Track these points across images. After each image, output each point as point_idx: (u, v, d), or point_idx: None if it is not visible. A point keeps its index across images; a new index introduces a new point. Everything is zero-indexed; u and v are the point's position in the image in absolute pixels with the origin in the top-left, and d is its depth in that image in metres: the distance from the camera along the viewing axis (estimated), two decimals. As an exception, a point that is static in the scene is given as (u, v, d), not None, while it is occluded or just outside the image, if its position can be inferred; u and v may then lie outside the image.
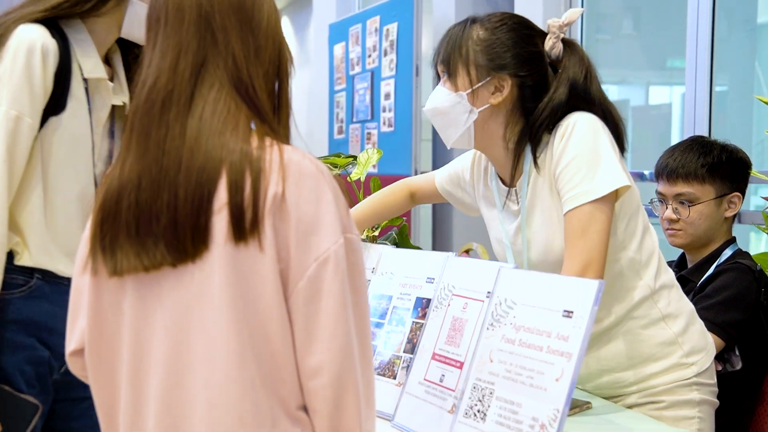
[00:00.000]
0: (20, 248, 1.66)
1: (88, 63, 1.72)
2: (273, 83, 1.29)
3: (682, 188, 2.21)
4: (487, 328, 1.51)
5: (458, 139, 1.77)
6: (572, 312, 1.37)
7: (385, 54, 5.26)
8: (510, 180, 1.81)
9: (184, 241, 1.17)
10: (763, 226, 2.64)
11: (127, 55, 1.86)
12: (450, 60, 1.74)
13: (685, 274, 2.24)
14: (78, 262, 1.30)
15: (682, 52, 3.65)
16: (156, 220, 1.19)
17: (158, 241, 1.19)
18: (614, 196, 1.65)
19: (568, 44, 1.77)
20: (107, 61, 1.81)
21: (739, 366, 2.11)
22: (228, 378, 1.17)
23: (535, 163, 1.72)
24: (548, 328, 1.39)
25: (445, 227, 5.29)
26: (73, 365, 1.35)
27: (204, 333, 1.18)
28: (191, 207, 1.17)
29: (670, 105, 4.92)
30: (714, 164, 2.21)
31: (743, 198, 2.25)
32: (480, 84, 1.72)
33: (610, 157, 1.64)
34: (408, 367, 1.69)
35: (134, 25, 1.77)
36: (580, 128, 1.65)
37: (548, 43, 1.76)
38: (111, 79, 1.78)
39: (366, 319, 1.23)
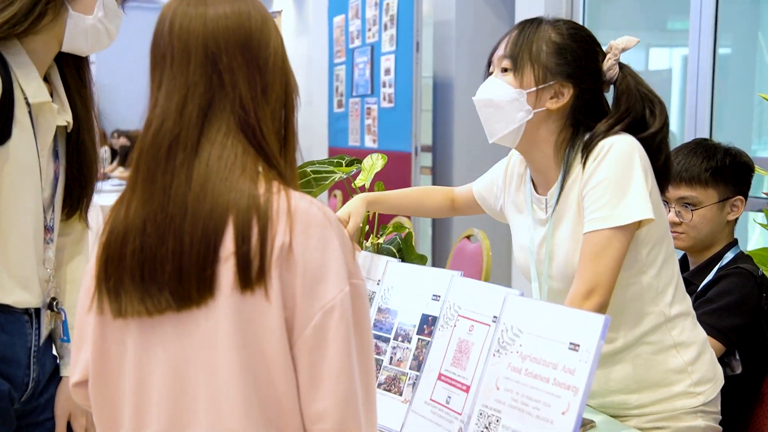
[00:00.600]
0: None
1: (31, 87, 1.66)
2: (280, 120, 1.28)
3: (686, 192, 2.22)
4: (494, 355, 1.53)
5: (505, 136, 1.76)
6: (578, 345, 1.38)
7: (386, 29, 5.22)
8: (543, 188, 1.81)
9: (189, 289, 1.18)
10: (765, 223, 2.65)
11: (63, 69, 1.79)
12: (519, 55, 1.72)
13: (687, 276, 2.25)
14: (83, 298, 1.31)
15: (682, 13, 3.62)
16: (161, 267, 1.19)
17: (163, 288, 1.19)
18: (636, 225, 1.65)
19: (628, 73, 1.77)
20: (45, 78, 1.75)
21: (739, 370, 2.13)
22: (232, 422, 1.19)
23: (584, 166, 1.72)
24: (554, 359, 1.41)
25: (445, 238, 5.30)
26: (76, 395, 1.38)
27: (209, 378, 1.19)
28: (197, 255, 1.18)
29: (670, 71, 4.90)
30: (717, 168, 2.21)
31: (746, 201, 2.26)
32: (543, 86, 1.72)
33: (639, 186, 1.63)
34: (414, 385, 1.71)
35: (76, 38, 1.71)
36: (616, 152, 1.65)
37: (607, 64, 1.76)
38: (51, 98, 1.73)
39: (370, 361, 1.25)
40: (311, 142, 6.86)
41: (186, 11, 1.26)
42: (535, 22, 1.75)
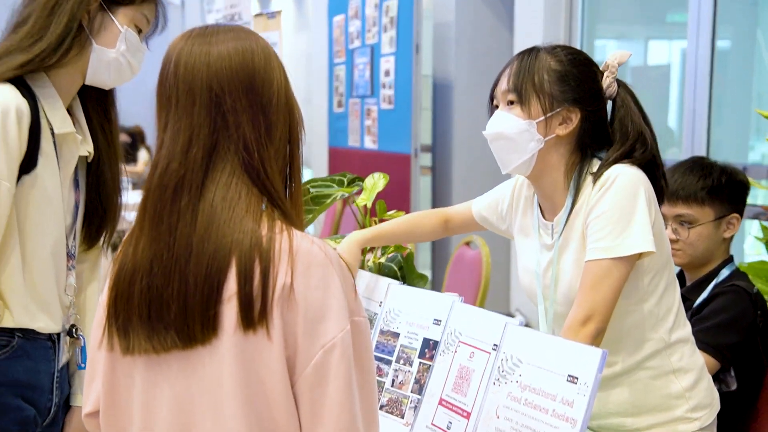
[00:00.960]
0: (1, 311, 1.68)
1: (57, 118, 1.73)
2: (284, 158, 1.31)
3: (682, 210, 2.25)
4: (494, 383, 1.56)
5: (518, 166, 1.79)
6: (577, 378, 1.42)
7: (385, 30, 5.23)
8: (550, 213, 1.85)
9: (194, 329, 1.22)
10: (760, 236, 2.69)
11: (86, 102, 1.86)
12: (523, 87, 1.75)
13: (684, 292, 2.29)
14: (95, 331, 1.34)
15: (682, 6, 3.63)
16: (167, 307, 1.23)
17: (169, 327, 1.23)
18: (636, 256, 1.68)
19: (626, 90, 1.82)
20: (68, 109, 1.81)
21: (734, 387, 2.17)
22: None
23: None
24: (553, 391, 1.45)
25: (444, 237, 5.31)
26: (88, 425, 1.42)
27: (214, 415, 1.23)
28: (201, 296, 1.21)
29: (669, 66, 4.90)
30: (714, 187, 2.24)
31: (741, 218, 2.29)
32: (551, 114, 1.75)
33: (642, 219, 1.67)
34: (416, 408, 1.74)
35: (99, 72, 1.78)
36: (620, 184, 1.69)
37: (606, 82, 1.81)
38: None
39: (373, 398, 1.28)
40: (311, 140, 6.88)
41: (191, 50, 1.28)
42: (532, 52, 1.78)
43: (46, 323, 1.74)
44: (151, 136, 5.75)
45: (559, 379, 1.44)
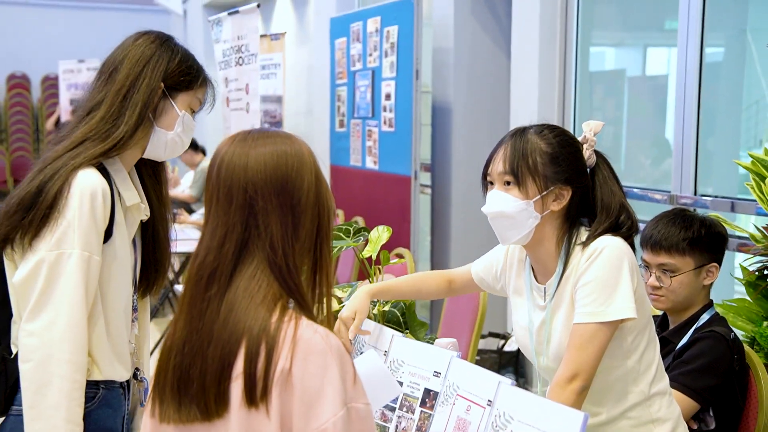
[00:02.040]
0: (90, 366, 1.91)
1: (127, 192, 1.97)
2: (311, 250, 1.46)
3: (665, 259, 2.43)
4: (488, 437, 1.73)
5: (518, 240, 1.98)
6: (562, 438, 1.59)
7: (386, 55, 5.39)
8: (542, 276, 2.02)
9: (209, 404, 1.39)
10: (742, 279, 2.86)
11: (141, 169, 2.09)
12: (519, 171, 1.93)
13: (667, 335, 2.46)
14: (148, 399, 1.53)
15: (676, 13, 3.72)
16: (191, 383, 1.41)
17: (192, 401, 1.41)
18: (619, 321, 1.88)
19: (603, 160, 2.01)
20: None
21: (713, 426, 2.35)
22: None
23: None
24: (541, 448, 1.61)
25: (443, 256, 5.46)
26: None
27: None
28: (215, 374, 1.39)
29: (667, 77, 4.97)
30: (694, 239, 2.42)
31: (720, 267, 2.46)
32: (546, 192, 1.93)
33: (625, 288, 1.86)
34: (417, 454, 1.91)
35: (157, 149, 2.03)
36: (606, 255, 1.88)
37: (586, 154, 2.00)
38: None
39: None
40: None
41: (233, 152, 1.45)
42: (523, 135, 1.96)
43: (122, 373, 1.98)
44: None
45: (546, 438, 1.61)
